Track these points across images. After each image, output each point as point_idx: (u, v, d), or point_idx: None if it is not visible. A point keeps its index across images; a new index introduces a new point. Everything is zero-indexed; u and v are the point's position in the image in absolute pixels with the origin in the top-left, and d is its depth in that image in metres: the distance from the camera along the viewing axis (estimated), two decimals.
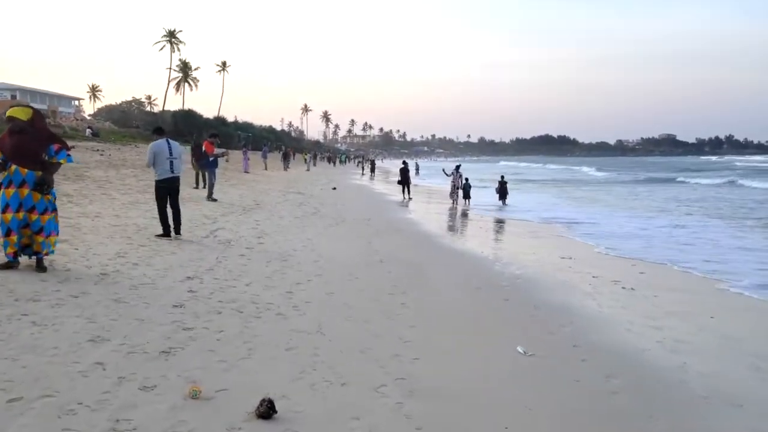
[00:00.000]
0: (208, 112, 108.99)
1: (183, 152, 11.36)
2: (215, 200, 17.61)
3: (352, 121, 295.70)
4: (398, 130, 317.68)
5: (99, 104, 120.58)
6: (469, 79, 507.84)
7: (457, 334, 6.46)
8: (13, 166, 6.98)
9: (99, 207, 13.28)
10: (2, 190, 6.99)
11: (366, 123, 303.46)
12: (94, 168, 21.79)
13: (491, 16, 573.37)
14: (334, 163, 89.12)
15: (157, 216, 10.91)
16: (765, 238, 15.98)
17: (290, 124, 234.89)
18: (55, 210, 7.37)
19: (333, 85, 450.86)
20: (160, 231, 10.70)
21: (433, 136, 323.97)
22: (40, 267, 7.15)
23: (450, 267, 10.79)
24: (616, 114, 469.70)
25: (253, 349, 5.29)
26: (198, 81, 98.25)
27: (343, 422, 4.06)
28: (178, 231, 10.82)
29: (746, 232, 17.22)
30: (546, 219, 20.17)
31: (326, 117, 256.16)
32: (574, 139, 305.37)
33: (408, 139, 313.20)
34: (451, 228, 18.23)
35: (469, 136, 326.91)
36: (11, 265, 7.06)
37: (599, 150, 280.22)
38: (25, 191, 7.02)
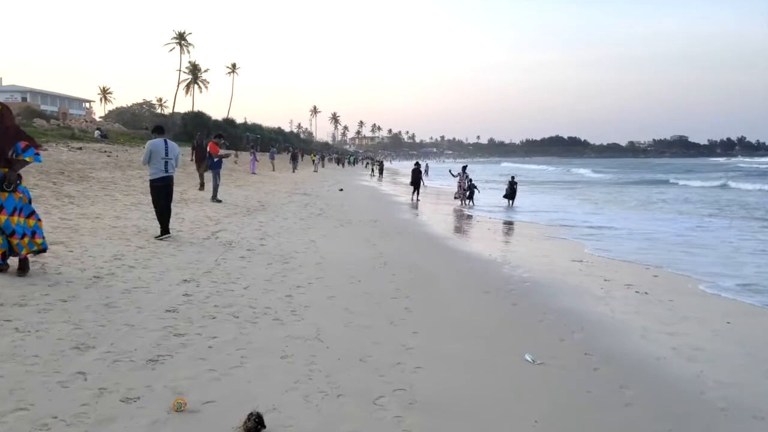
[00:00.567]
0: (217, 113, 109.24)
1: (180, 154, 11.26)
2: (220, 201, 17.40)
3: (361, 122, 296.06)
4: (407, 132, 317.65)
5: (110, 106, 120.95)
6: (479, 80, 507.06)
7: (462, 341, 6.17)
8: None
9: (100, 208, 13.09)
10: None
11: (375, 124, 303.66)
12: (100, 169, 21.63)
13: (502, 17, 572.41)
14: (343, 164, 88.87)
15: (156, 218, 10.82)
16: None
17: (299, 126, 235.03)
18: (32, 212, 6.98)
19: (342, 86, 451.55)
20: (159, 233, 10.62)
21: (442, 137, 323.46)
22: (22, 269, 6.87)
23: (457, 270, 10.49)
24: (627, 115, 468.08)
25: (246, 357, 5.02)
26: (208, 83, 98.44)
27: None
28: (167, 228, 10.70)
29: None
30: (553, 220, 19.84)
31: (335, 118, 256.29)
32: (584, 140, 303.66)
33: (417, 140, 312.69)
34: (458, 230, 17.92)
35: (478, 137, 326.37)
36: (0, 268, 6.81)
37: (610, 151, 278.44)
38: None
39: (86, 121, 70.85)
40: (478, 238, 15.58)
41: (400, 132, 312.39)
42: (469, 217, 21.04)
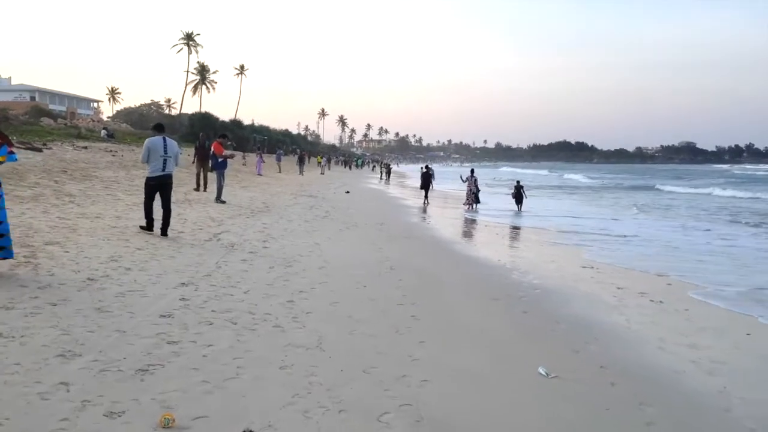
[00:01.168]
0: (225, 114, 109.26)
1: (180, 152, 11.12)
2: (224, 202, 17.13)
3: (368, 125, 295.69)
4: (414, 135, 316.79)
5: (118, 106, 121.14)
6: (487, 85, 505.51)
7: (471, 351, 5.85)
8: None
9: (101, 208, 12.83)
10: None
11: (382, 127, 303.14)
12: (104, 168, 21.41)
13: (510, 22, 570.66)
14: (350, 166, 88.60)
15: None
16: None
17: (306, 128, 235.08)
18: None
19: (350, 89, 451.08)
20: (158, 232, 10.56)
21: (449, 141, 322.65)
22: None
23: (465, 275, 10.18)
24: (635, 121, 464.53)
25: (242, 368, 4.71)
26: (216, 84, 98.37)
27: None
28: (164, 232, 10.58)
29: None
30: (560, 225, 19.51)
31: (342, 121, 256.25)
32: (592, 145, 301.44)
33: (424, 143, 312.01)
34: (466, 234, 17.61)
35: (485, 141, 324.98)
36: None
37: (618, 157, 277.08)
38: None
39: (93, 121, 70.90)
40: (485, 242, 15.26)
41: (407, 135, 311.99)
42: (477, 221, 20.71)
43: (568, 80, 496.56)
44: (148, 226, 10.59)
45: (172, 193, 11.07)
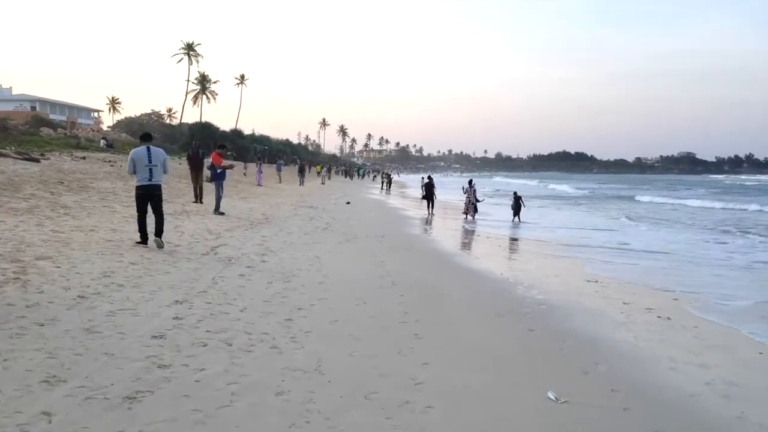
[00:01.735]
0: (225, 124, 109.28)
1: (168, 160, 10.98)
2: (222, 214, 16.90)
3: (369, 135, 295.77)
4: (415, 145, 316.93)
5: (118, 116, 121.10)
6: (487, 95, 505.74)
7: (476, 373, 5.60)
8: None
9: (96, 220, 12.61)
10: None
11: (383, 137, 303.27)
12: (102, 179, 21.21)
13: (510, 33, 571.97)
14: (351, 176, 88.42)
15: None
16: None
17: (307, 138, 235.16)
18: None
19: (350, 99, 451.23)
20: (153, 245, 10.45)
21: (450, 151, 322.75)
22: None
23: (468, 290, 9.93)
24: (635, 131, 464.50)
25: (236, 394, 4.47)
26: (216, 94, 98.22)
27: None
28: (158, 235, 10.54)
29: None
30: (559, 236, 19.30)
31: (343, 131, 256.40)
32: (591, 155, 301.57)
33: (425, 153, 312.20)
34: (468, 246, 17.38)
35: (485, 151, 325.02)
36: None
37: (617, 167, 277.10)
38: None
39: (93, 131, 70.82)
40: (488, 255, 15.02)
41: (407, 145, 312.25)
42: (478, 232, 20.47)
43: (569, 91, 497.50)
44: (143, 240, 10.50)
45: (170, 205, 10.97)
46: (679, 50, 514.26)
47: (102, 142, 46.29)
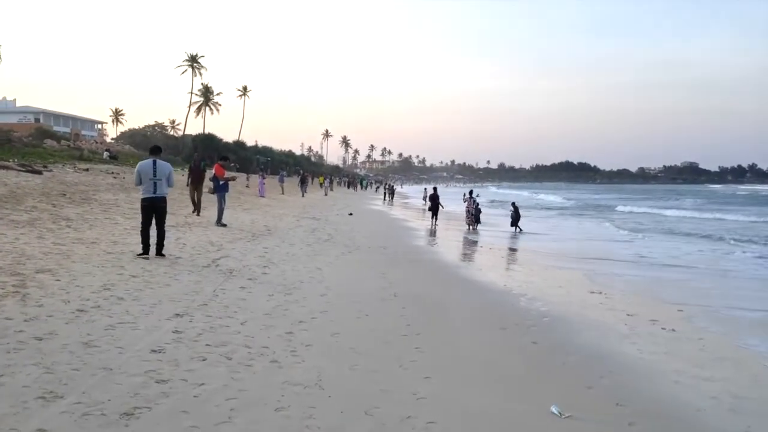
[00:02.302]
0: (228, 136, 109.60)
1: (172, 173, 11.07)
2: (224, 225, 16.85)
3: (372, 146, 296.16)
4: (417, 156, 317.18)
5: (122, 128, 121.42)
6: (490, 106, 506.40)
7: (479, 388, 5.54)
8: None
9: (98, 232, 12.57)
10: None
11: (385, 148, 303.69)
12: (104, 191, 21.21)
13: (513, 45, 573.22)
14: (355, 187, 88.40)
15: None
16: None
17: (310, 149, 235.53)
18: None
19: (353, 110, 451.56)
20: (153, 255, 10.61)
21: (453, 161, 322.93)
22: None
23: (471, 303, 9.86)
24: (638, 142, 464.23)
25: (235, 410, 4.41)
26: (220, 105, 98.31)
27: None
28: (159, 252, 10.70)
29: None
30: (559, 247, 19.24)
31: (345, 142, 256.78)
32: (594, 166, 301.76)
33: (427, 164, 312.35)
34: (471, 257, 17.29)
35: (488, 162, 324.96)
36: None
37: (620, 177, 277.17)
38: None
39: (97, 143, 71.05)
40: (490, 266, 14.94)
41: (410, 156, 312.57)
42: (480, 243, 20.39)
43: (572, 101, 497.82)
44: (144, 251, 10.54)
45: (172, 217, 10.99)
46: (682, 60, 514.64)
47: (105, 154, 46.41)
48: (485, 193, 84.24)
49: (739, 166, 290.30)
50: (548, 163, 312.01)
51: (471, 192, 25.73)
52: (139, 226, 10.89)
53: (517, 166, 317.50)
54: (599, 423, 4.89)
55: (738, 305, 10.64)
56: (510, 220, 25.24)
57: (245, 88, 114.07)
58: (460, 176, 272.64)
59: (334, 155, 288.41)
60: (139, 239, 10.73)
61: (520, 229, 24.45)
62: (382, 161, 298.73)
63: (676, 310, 9.81)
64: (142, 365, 5.12)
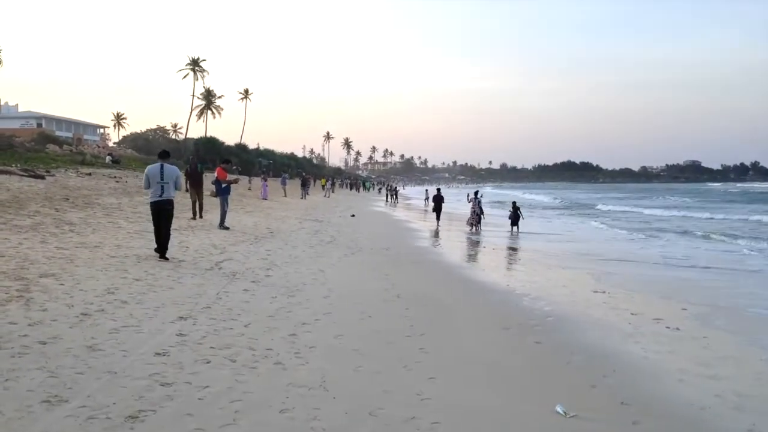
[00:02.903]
0: (230, 139, 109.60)
1: (180, 176, 11.34)
2: (227, 228, 16.86)
3: (373, 147, 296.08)
4: (419, 157, 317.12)
5: (124, 132, 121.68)
6: (491, 106, 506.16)
7: (483, 388, 5.54)
8: None
9: (101, 236, 12.59)
10: None
11: (387, 149, 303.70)
12: (107, 195, 21.25)
13: (514, 44, 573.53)
14: (358, 189, 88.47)
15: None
16: None
17: (312, 151, 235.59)
18: None
19: (355, 112, 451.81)
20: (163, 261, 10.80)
21: (455, 162, 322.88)
22: None
23: (474, 303, 9.86)
24: (641, 141, 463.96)
25: (240, 412, 4.42)
26: (222, 109, 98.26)
27: None
28: (162, 254, 10.91)
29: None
30: (560, 246, 19.23)
31: (347, 144, 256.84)
32: (597, 165, 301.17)
33: (429, 165, 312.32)
34: (473, 257, 17.28)
35: (490, 162, 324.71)
36: None
37: (623, 177, 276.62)
38: None
39: (99, 147, 71.16)
40: (493, 266, 14.94)
41: (412, 157, 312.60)
42: (483, 243, 20.38)
43: (573, 101, 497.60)
44: (160, 253, 10.90)
45: (174, 220, 11.22)
46: (684, 60, 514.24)
47: (108, 158, 46.46)
48: (485, 195, 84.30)
49: (742, 164, 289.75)
50: (551, 163, 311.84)
51: (476, 193, 25.72)
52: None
53: (519, 167, 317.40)
54: (604, 422, 4.89)
55: (739, 304, 10.62)
56: (509, 219, 25.26)
57: (247, 91, 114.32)
58: (462, 177, 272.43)
59: (335, 157, 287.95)
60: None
61: (517, 229, 24.45)
62: (384, 163, 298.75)
63: (680, 308, 9.79)
64: (147, 368, 5.13)
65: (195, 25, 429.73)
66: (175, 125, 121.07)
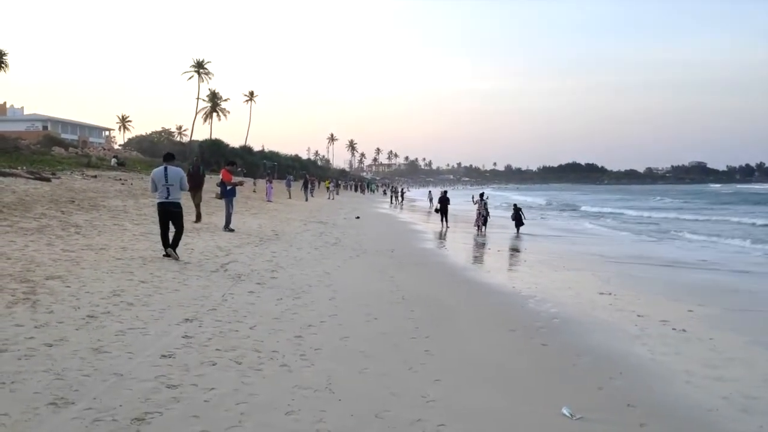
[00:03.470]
0: (235, 141, 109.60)
1: (184, 178, 11.50)
2: (232, 230, 16.88)
3: (378, 149, 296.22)
4: (424, 158, 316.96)
5: (129, 134, 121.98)
6: (495, 107, 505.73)
7: (489, 390, 5.53)
8: None
9: (107, 238, 12.62)
10: None
11: (391, 151, 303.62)
12: (113, 197, 21.29)
13: (518, 45, 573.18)
14: (363, 191, 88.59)
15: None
16: None
17: (317, 153, 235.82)
18: None
19: (359, 113, 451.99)
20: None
21: (459, 164, 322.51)
22: None
23: (479, 304, 9.85)
24: (646, 142, 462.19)
25: (245, 414, 4.41)
26: (228, 112, 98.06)
27: None
28: (174, 245, 11.18)
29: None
30: (570, 249, 19.21)
31: (352, 146, 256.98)
32: (602, 167, 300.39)
33: (434, 167, 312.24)
34: (478, 259, 17.26)
35: (495, 164, 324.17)
36: None
37: (628, 178, 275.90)
38: None
39: (105, 150, 71.38)
40: (498, 268, 14.93)
41: (416, 159, 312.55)
42: (488, 245, 20.35)
43: (578, 102, 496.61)
44: (166, 253, 11.11)
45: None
46: (690, 60, 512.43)
47: (113, 161, 46.60)
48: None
49: (747, 165, 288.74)
50: (555, 165, 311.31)
51: (482, 194, 25.73)
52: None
53: (524, 168, 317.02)
54: (610, 424, 4.87)
55: (744, 305, 10.60)
56: (512, 220, 25.35)
57: (252, 93, 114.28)
58: (467, 179, 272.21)
59: (340, 159, 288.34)
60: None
61: (517, 231, 24.50)
62: (389, 164, 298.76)
63: (687, 310, 9.75)
64: (153, 370, 5.14)
65: (200, 27, 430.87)
66: (180, 127, 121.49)
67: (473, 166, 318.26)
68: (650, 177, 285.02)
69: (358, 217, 29.12)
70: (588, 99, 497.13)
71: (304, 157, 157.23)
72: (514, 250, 19.37)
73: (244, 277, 10.16)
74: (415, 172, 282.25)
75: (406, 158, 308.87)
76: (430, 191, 59.11)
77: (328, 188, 59.41)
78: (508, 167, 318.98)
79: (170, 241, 11.15)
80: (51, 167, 30.39)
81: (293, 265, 11.97)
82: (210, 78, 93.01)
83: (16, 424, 3.88)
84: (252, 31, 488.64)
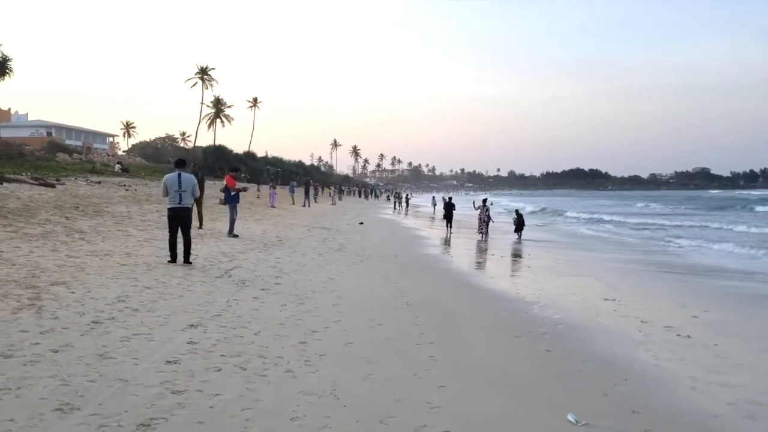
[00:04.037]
0: (239, 147, 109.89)
1: (196, 185, 11.81)
2: (236, 236, 16.92)
3: (381, 155, 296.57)
4: (427, 164, 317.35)
5: (133, 141, 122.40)
6: (499, 113, 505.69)
7: (494, 396, 5.52)
8: None
9: (111, 244, 12.65)
10: None
11: (395, 157, 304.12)
12: (117, 203, 21.36)
13: (521, 51, 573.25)
14: (367, 196, 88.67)
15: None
16: None
17: (320, 159, 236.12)
18: None
19: (363, 119, 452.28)
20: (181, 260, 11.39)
21: (463, 170, 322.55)
22: None
23: (483, 310, 9.84)
24: (649, 147, 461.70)
25: (250, 420, 4.42)
26: (232, 119, 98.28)
27: None
28: (186, 259, 11.40)
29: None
30: (566, 253, 19.20)
31: (355, 152, 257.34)
32: (606, 172, 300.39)
33: (437, 173, 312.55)
34: (483, 265, 17.25)
35: (498, 170, 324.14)
36: None
37: (631, 184, 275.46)
38: None
39: (108, 155, 71.57)
40: (502, 274, 14.92)
41: (420, 165, 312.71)
42: (491, 251, 20.34)
43: (581, 107, 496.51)
44: (172, 258, 11.31)
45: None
46: (694, 66, 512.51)
47: (117, 167, 46.71)
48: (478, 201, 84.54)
49: (752, 171, 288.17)
50: (559, 170, 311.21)
51: (485, 200, 25.76)
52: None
53: (527, 174, 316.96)
54: (615, 430, 4.86)
55: (748, 310, 10.57)
56: (514, 227, 25.44)
57: (255, 100, 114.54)
58: (471, 184, 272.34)
59: (343, 165, 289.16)
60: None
61: (520, 237, 24.52)
62: (392, 170, 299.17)
63: (691, 316, 9.73)
64: (158, 376, 5.15)
65: (203, 34, 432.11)
66: (184, 133, 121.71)
67: (476, 172, 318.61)
68: (654, 183, 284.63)
69: (361, 223, 29.14)
70: (591, 104, 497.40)
71: (308, 163, 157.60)
72: (516, 255, 19.37)
73: (248, 282, 10.17)
74: (418, 178, 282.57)
75: (410, 164, 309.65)
76: (433, 197, 59.20)
77: (330, 194, 59.48)
78: (512, 173, 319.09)
79: (179, 252, 11.36)
80: (55, 173, 30.47)
81: (297, 271, 11.98)
82: (214, 84, 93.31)
83: (22, 430, 3.89)
84: (255, 38, 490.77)
